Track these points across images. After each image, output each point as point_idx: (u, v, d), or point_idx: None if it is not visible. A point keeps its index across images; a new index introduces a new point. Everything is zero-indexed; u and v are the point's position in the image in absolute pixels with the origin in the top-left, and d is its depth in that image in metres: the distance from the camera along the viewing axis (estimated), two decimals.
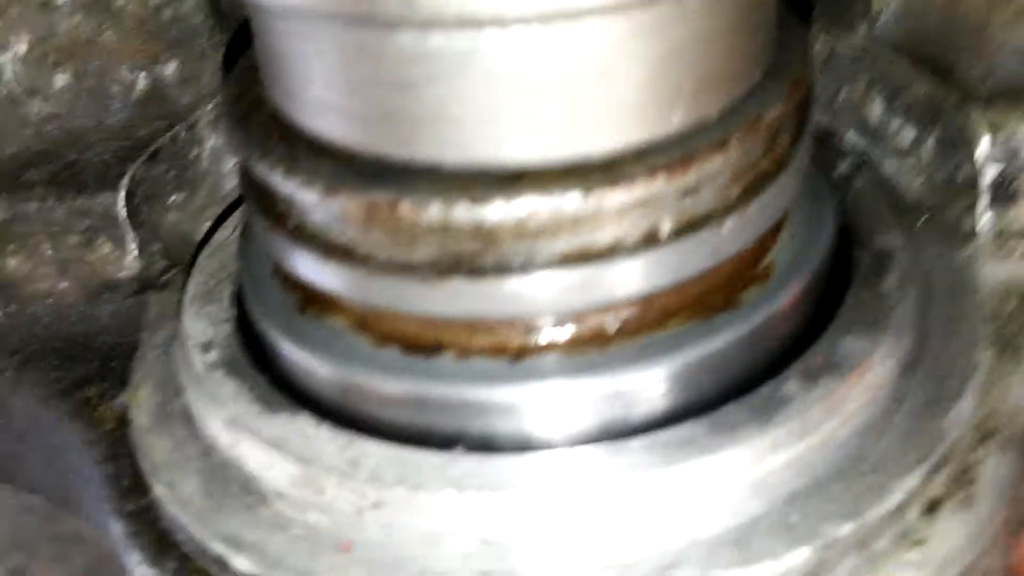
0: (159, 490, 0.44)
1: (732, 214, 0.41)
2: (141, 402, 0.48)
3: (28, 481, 0.56)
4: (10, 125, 0.57)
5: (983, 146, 0.50)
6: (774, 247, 0.44)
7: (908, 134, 0.55)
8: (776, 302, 0.42)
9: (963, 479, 0.43)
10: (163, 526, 0.44)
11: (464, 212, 0.38)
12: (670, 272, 0.40)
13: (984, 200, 0.51)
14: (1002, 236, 0.51)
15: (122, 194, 0.53)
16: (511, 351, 0.41)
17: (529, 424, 0.41)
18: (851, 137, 0.57)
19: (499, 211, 0.38)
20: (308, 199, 0.40)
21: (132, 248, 0.54)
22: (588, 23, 0.36)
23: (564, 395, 0.40)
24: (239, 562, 0.41)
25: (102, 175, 0.54)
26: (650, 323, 0.41)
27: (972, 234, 0.52)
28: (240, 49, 0.47)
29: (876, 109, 0.56)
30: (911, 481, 0.41)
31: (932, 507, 0.42)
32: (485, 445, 0.41)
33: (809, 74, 0.44)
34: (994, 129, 0.50)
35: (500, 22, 0.36)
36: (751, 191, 0.41)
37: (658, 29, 0.37)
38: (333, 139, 0.40)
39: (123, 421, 0.49)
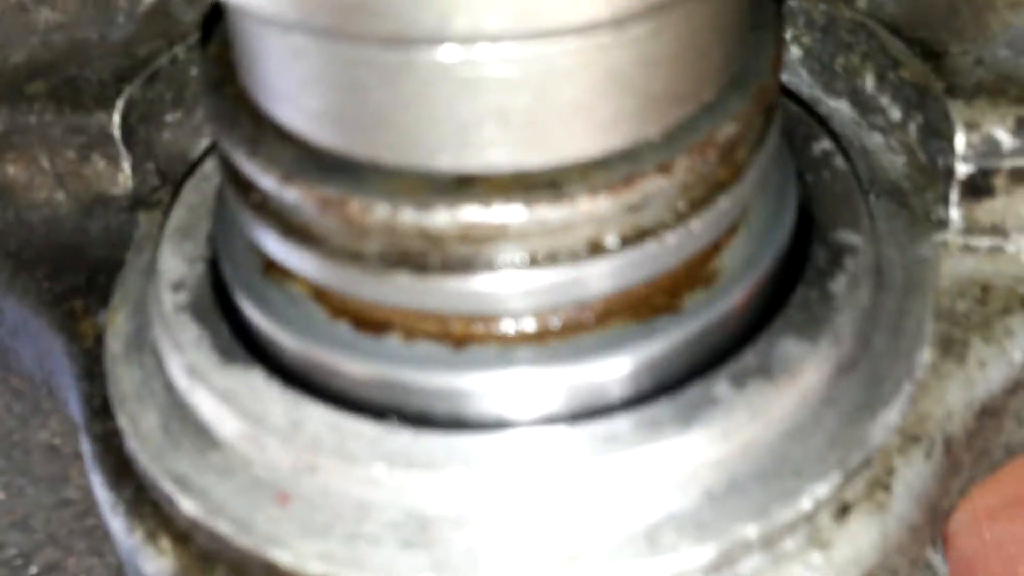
0: (122, 421, 0.47)
1: (679, 226, 0.42)
2: (117, 327, 0.50)
3: (21, 372, 0.59)
4: (17, 32, 0.58)
5: (959, 142, 0.50)
6: (726, 248, 0.45)
7: (895, 113, 0.55)
8: (719, 307, 0.43)
9: (879, 484, 0.44)
10: (126, 454, 0.47)
11: (409, 216, 0.39)
12: (613, 281, 0.41)
13: (956, 193, 0.51)
14: (970, 231, 0.52)
15: (117, 115, 0.55)
16: (454, 338, 0.42)
17: (463, 409, 0.42)
18: (841, 105, 0.57)
19: (443, 219, 0.39)
20: (266, 183, 0.41)
21: (125, 166, 0.56)
22: (528, 45, 0.37)
23: (498, 384, 0.42)
24: (184, 504, 0.44)
25: (99, 94, 0.55)
26: (590, 323, 0.42)
27: (942, 224, 0.52)
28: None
29: (868, 82, 0.56)
30: (823, 487, 0.43)
31: (843, 511, 0.44)
32: (423, 420, 0.43)
33: (775, 86, 0.44)
34: (971, 127, 0.50)
35: (437, 40, 0.36)
36: (702, 203, 0.42)
37: (597, 53, 0.37)
38: (289, 128, 0.41)
39: (102, 340, 0.51)
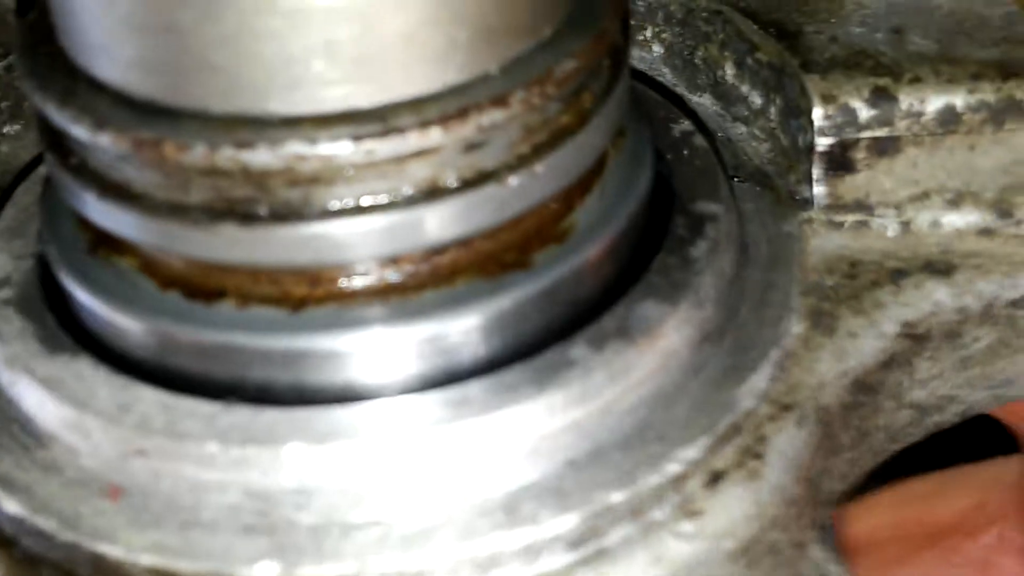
0: None
1: (521, 170, 0.40)
2: None
3: None
4: None
5: (816, 115, 0.50)
6: (579, 206, 0.43)
7: (756, 99, 0.54)
8: (569, 264, 0.41)
9: (751, 452, 0.42)
10: None
11: (229, 155, 0.37)
12: (453, 227, 0.39)
13: (817, 169, 0.50)
14: (833, 207, 0.51)
15: None
16: (291, 301, 0.40)
17: (304, 378, 0.40)
18: (705, 99, 0.56)
19: (265, 157, 0.37)
20: (79, 134, 0.39)
21: None
22: None
23: (337, 346, 0.39)
24: (7, 504, 0.40)
25: None
26: (435, 279, 0.40)
27: (806, 203, 0.51)
28: None
29: (728, 71, 0.56)
30: (692, 451, 0.41)
31: (715, 479, 0.41)
32: (264, 396, 0.40)
33: (617, 30, 0.43)
34: (827, 100, 0.49)
35: None
36: (545, 147, 0.40)
37: None
38: (107, 81, 0.39)
39: None
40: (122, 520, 0.39)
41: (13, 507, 0.40)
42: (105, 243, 0.42)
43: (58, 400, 0.41)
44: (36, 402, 0.41)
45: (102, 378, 0.41)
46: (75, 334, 0.43)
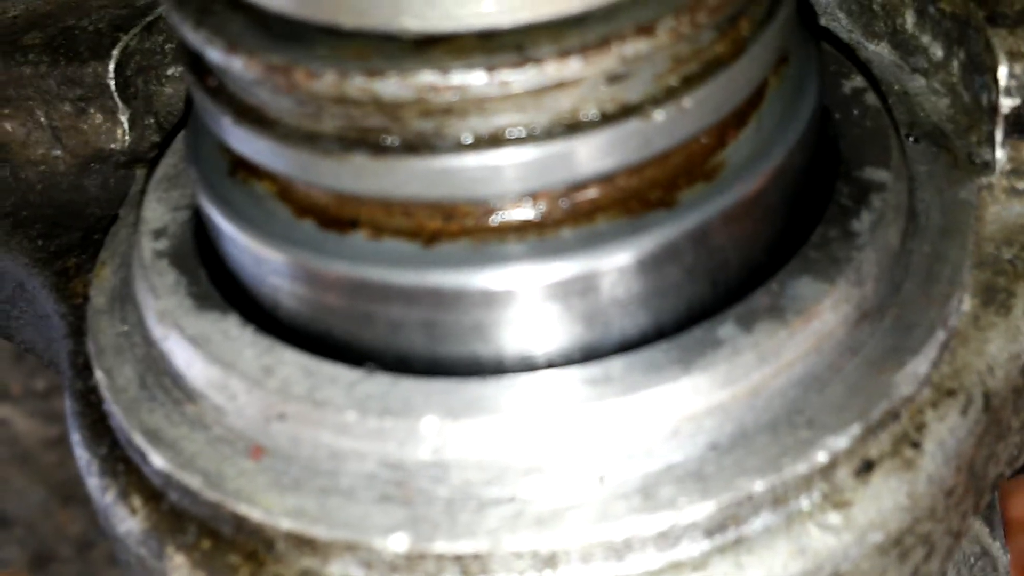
0: (98, 375, 0.44)
1: (668, 103, 0.38)
2: (102, 281, 0.48)
3: (23, 341, 0.57)
4: None
5: (1002, 74, 0.46)
6: (732, 141, 0.40)
7: (937, 51, 0.51)
8: (717, 203, 0.39)
9: (908, 440, 0.40)
10: (104, 410, 0.45)
11: (360, 84, 0.36)
12: (593, 163, 0.38)
13: (1001, 131, 0.47)
14: (1017, 173, 0.47)
15: (112, 64, 0.53)
16: (425, 234, 0.39)
17: (437, 318, 0.39)
18: (881, 48, 0.53)
19: (395, 86, 0.36)
20: (212, 56, 0.38)
21: (123, 120, 0.54)
22: None
23: (474, 285, 0.38)
24: (155, 458, 0.41)
25: (96, 43, 0.54)
26: (574, 217, 0.38)
27: (987, 167, 0.48)
28: None
29: (908, 20, 0.52)
30: (842, 439, 0.39)
31: (866, 468, 0.39)
32: (401, 360, 0.40)
33: None
34: (1015, 57, 0.46)
35: None
36: (695, 79, 0.38)
37: None
38: None
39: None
40: (264, 481, 0.40)
41: (160, 462, 0.41)
42: (243, 166, 0.42)
43: (206, 359, 0.41)
44: (186, 359, 0.42)
45: (248, 339, 0.41)
46: (222, 283, 0.43)
